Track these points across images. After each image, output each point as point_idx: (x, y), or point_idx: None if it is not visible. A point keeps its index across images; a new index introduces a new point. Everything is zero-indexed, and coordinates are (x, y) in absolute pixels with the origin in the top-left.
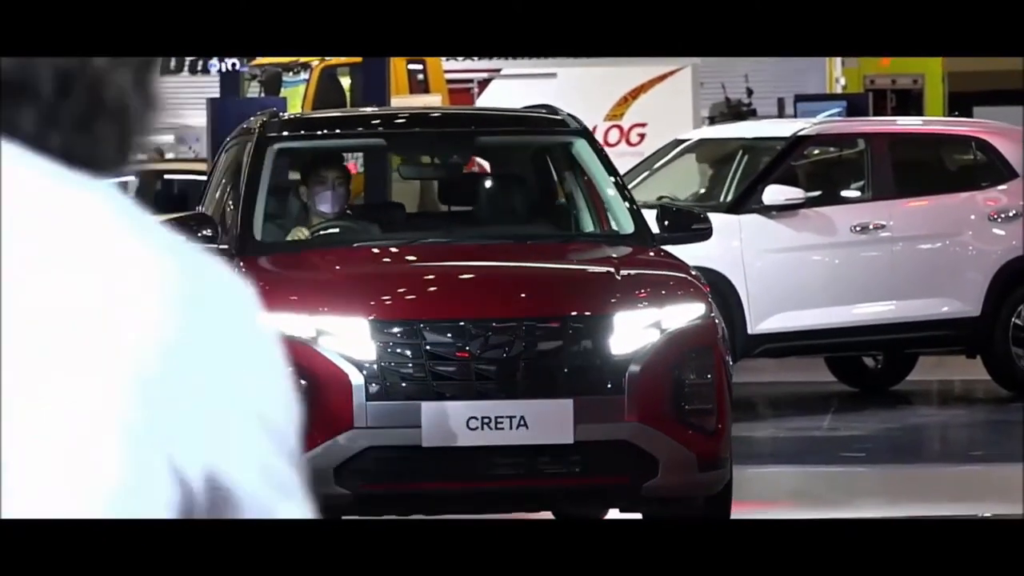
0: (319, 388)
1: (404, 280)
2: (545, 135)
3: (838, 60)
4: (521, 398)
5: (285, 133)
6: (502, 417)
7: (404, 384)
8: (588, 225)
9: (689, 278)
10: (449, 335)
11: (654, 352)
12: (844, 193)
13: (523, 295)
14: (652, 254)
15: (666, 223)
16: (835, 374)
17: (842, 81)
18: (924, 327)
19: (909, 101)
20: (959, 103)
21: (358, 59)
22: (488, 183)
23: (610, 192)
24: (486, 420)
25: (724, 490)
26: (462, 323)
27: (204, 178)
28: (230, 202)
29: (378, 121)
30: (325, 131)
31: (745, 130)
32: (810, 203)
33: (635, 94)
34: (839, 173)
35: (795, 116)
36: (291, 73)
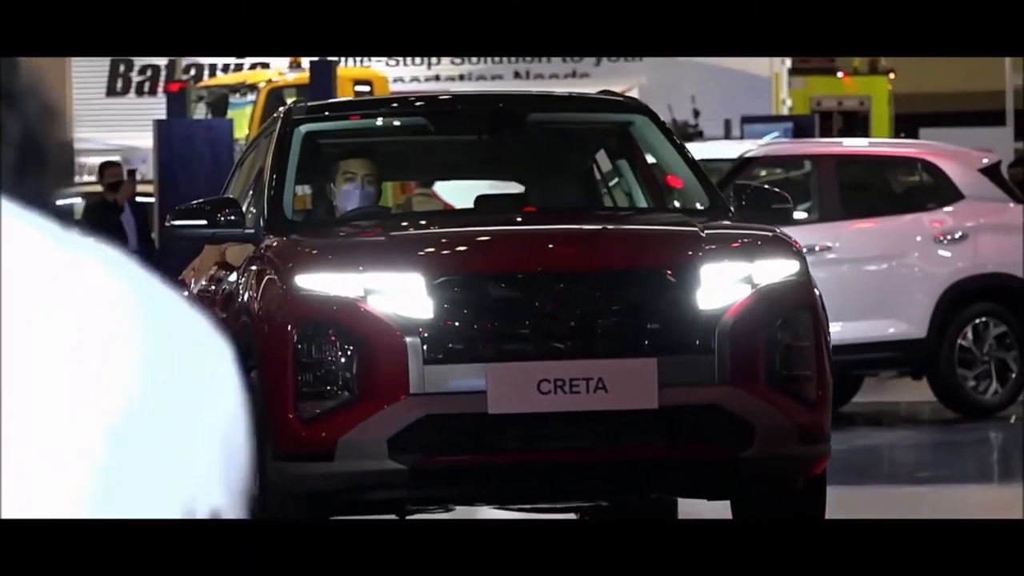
0: (370, 351)
1: (463, 232)
2: (603, 112)
3: (784, 81)
4: (598, 358)
5: (313, 116)
6: (577, 379)
7: (466, 344)
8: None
9: (780, 236)
10: (516, 288)
11: (746, 308)
12: None
13: (598, 243)
14: (733, 222)
15: (743, 202)
16: None
17: (789, 102)
18: (870, 348)
19: (856, 122)
20: (906, 124)
21: (305, 80)
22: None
23: (676, 166)
24: (559, 383)
25: (823, 474)
26: (531, 274)
27: (152, 200)
28: (251, 192)
29: (418, 101)
30: (359, 111)
31: (692, 151)
32: None
33: None
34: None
35: (742, 138)
36: (238, 95)
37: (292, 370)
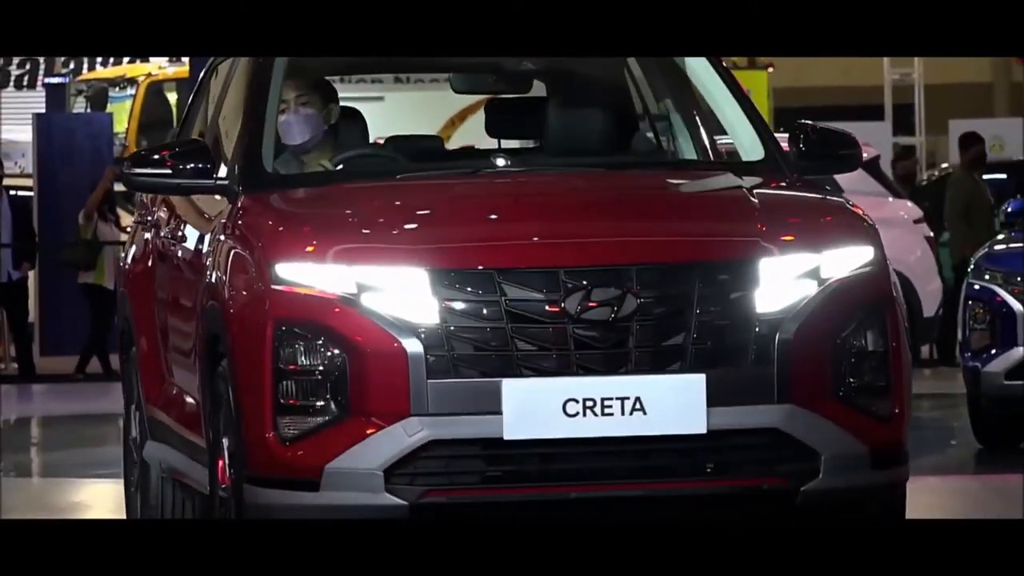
0: (363, 362)
1: (474, 216)
2: None
3: None
4: (636, 373)
5: None
6: (610, 399)
7: (478, 355)
8: (690, 155)
9: (852, 211)
10: (537, 288)
11: (811, 311)
12: None
13: (635, 233)
14: (793, 184)
15: (802, 147)
16: None
17: None
18: None
19: None
20: (785, 118)
21: (185, 74)
22: (555, 109)
23: (728, 109)
24: (589, 403)
25: (901, 497)
26: (554, 271)
27: (31, 193)
28: (226, 130)
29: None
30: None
31: None
32: None
33: (462, 116)
34: None
35: None
36: (117, 88)
37: (270, 379)
